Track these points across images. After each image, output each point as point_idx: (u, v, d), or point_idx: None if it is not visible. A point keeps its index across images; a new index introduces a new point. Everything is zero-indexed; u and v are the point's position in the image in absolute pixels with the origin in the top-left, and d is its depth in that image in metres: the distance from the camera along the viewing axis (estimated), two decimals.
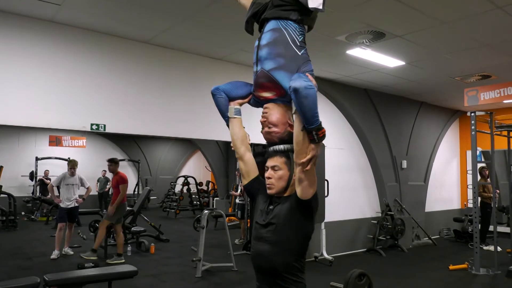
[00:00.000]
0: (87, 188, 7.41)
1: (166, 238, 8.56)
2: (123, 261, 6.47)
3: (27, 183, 13.47)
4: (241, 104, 2.15)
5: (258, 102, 2.13)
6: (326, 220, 6.75)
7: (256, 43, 2.06)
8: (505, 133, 6.99)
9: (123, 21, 4.66)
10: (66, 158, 12.61)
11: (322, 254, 6.79)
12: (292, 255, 1.87)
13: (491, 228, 7.35)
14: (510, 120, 6.86)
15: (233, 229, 9.46)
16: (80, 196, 7.26)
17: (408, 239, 8.29)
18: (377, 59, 5.87)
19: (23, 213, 12.45)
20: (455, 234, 9.23)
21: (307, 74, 1.83)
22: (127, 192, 15.32)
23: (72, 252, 7.03)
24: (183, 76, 5.62)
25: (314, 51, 5.55)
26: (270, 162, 1.96)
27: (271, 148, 2.00)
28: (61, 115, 4.66)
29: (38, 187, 12.91)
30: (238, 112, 2.13)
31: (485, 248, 7.67)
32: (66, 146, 14.11)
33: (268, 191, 1.95)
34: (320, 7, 1.92)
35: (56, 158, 13.61)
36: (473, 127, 6.30)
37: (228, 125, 2.16)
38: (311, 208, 1.89)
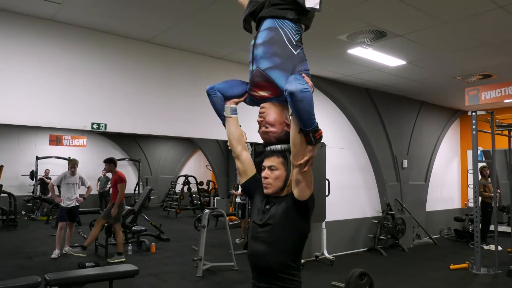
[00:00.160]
0: (88, 188, 7.41)
1: (166, 238, 8.56)
2: (124, 260, 6.48)
3: (27, 182, 13.46)
4: (237, 103, 2.14)
5: (253, 101, 2.12)
6: (327, 219, 6.75)
7: (252, 42, 2.05)
8: (506, 132, 6.98)
9: (124, 20, 4.66)
10: (67, 157, 12.60)
11: (323, 254, 6.79)
12: (288, 255, 1.88)
13: (491, 227, 7.36)
14: (511, 119, 6.85)
15: (233, 228, 9.46)
16: (80, 195, 7.26)
17: (408, 239, 8.29)
18: (378, 58, 5.87)
19: (23, 212, 12.46)
20: (456, 234, 9.23)
21: (303, 75, 1.81)
22: (127, 192, 15.34)
23: (72, 252, 7.02)
24: (184, 76, 5.62)
25: (315, 50, 5.56)
26: (267, 162, 1.95)
27: (268, 148, 2.00)
28: (62, 114, 4.65)
29: (38, 187, 12.91)
30: (234, 111, 2.12)
31: (485, 247, 7.67)
32: (66, 145, 14.11)
33: (265, 191, 1.95)
34: (317, 7, 1.91)
35: (56, 157, 13.60)
36: (474, 127, 6.30)
37: (224, 125, 2.15)
38: (307, 208, 1.89)
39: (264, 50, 1.95)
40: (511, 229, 7.01)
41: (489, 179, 7.83)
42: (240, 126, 2.13)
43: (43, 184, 12.46)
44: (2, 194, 10.19)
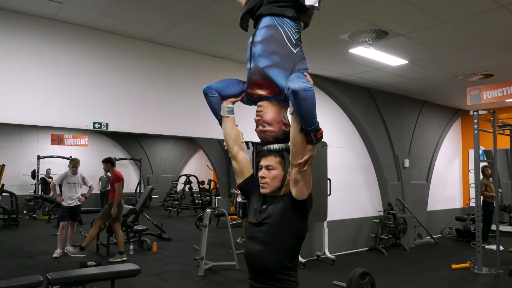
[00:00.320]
0: (89, 187, 7.42)
1: (168, 237, 8.57)
2: (125, 259, 6.48)
3: (29, 181, 13.48)
4: (234, 103, 2.12)
5: (251, 100, 2.09)
6: (329, 219, 6.75)
7: (250, 39, 2.02)
8: (507, 132, 6.98)
9: (125, 20, 4.66)
10: (68, 156, 12.62)
11: (324, 253, 6.79)
12: (285, 255, 1.86)
13: (493, 227, 7.35)
14: None
15: (235, 227, 9.46)
16: (82, 194, 7.27)
17: (410, 238, 8.28)
18: (380, 57, 5.86)
19: (25, 211, 12.47)
20: (457, 233, 9.22)
21: (305, 74, 1.79)
22: (128, 191, 15.31)
23: (74, 251, 7.03)
24: (185, 75, 5.62)
25: (317, 50, 5.55)
26: (264, 162, 1.93)
27: (265, 147, 1.97)
28: (64, 113, 4.66)
29: (40, 186, 12.94)
30: (231, 111, 2.10)
31: (487, 247, 7.66)
32: (68, 145, 14.12)
33: (262, 191, 1.93)
34: (316, 5, 1.89)
35: (58, 156, 13.62)
36: (475, 126, 6.29)
37: (221, 124, 2.13)
38: (305, 208, 1.87)
39: (263, 48, 1.92)
40: None
41: (490, 178, 7.82)
42: (237, 125, 2.11)
43: (45, 183, 12.48)
44: (4, 194, 10.21)
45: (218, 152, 14.25)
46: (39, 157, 13.42)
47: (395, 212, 7.90)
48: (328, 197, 6.67)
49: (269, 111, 1.92)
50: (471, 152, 8.49)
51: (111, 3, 4.21)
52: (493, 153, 6.63)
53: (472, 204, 6.97)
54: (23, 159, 13.48)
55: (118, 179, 6.69)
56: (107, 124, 4.93)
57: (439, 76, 6.92)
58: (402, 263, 6.92)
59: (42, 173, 13.20)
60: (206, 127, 5.67)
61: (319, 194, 6.30)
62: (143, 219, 8.84)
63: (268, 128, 1.92)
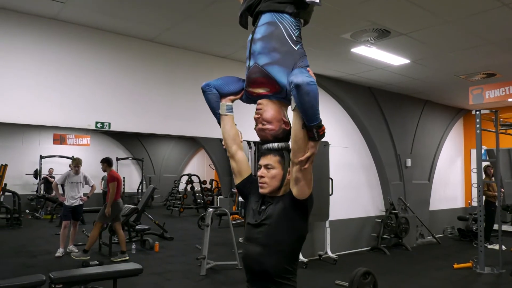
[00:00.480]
0: (92, 186, 7.43)
1: (170, 236, 8.58)
2: (127, 258, 6.49)
3: (31, 181, 13.52)
4: (233, 101, 2.08)
5: (250, 98, 2.05)
6: (331, 218, 6.74)
7: (250, 37, 1.98)
8: (510, 131, 6.96)
9: (127, 19, 4.67)
10: (70, 156, 12.64)
11: (326, 253, 6.78)
12: (285, 258, 1.80)
13: (495, 226, 7.33)
14: None
15: (237, 227, 9.46)
16: (84, 194, 7.28)
17: (412, 238, 8.28)
18: (382, 57, 5.85)
19: (27, 211, 12.49)
20: (459, 233, 9.20)
21: (308, 69, 1.76)
22: (129, 190, 15.32)
23: (76, 250, 7.04)
24: (187, 74, 5.62)
25: (318, 49, 5.55)
26: (263, 161, 1.88)
27: (265, 146, 1.92)
28: (66, 113, 4.67)
29: (42, 185, 12.96)
30: (230, 109, 2.06)
31: (489, 246, 7.64)
32: (70, 144, 14.16)
33: (261, 190, 1.87)
34: (317, 0, 1.85)
35: (60, 156, 13.65)
36: (478, 126, 6.27)
37: (219, 123, 2.09)
38: (306, 208, 1.81)
39: (263, 45, 1.89)
40: None
41: (493, 178, 7.81)
42: (236, 125, 2.07)
43: (47, 183, 12.51)
44: (6, 193, 10.25)
45: (220, 152, 14.24)
46: (41, 157, 13.46)
47: (397, 211, 7.89)
48: (330, 196, 6.67)
49: (269, 109, 1.88)
50: (473, 152, 8.48)
51: (112, 3, 4.21)
52: (496, 152, 6.61)
53: (474, 203, 6.96)
54: (26, 159, 13.52)
55: (112, 179, 6.68)
56: (109, 123, 4.94)
57: (441, 76, 6.91)
58: (404, 262, 6.91)
59: (44, 172, 13.22)
60: (208, 127, 5.67)
61: (321, 194, 6.30)
62: (145, 219, 8.85)
63: (268, 126, 1.88)
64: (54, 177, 12.01)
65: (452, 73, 6.74)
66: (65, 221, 6.92)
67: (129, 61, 5.17)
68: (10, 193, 10.33)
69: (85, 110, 4.80)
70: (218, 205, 12.89)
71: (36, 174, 13.37)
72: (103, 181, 13.51)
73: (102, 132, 13.77)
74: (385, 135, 8.09)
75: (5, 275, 5.13)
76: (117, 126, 5.01)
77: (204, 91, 2.08)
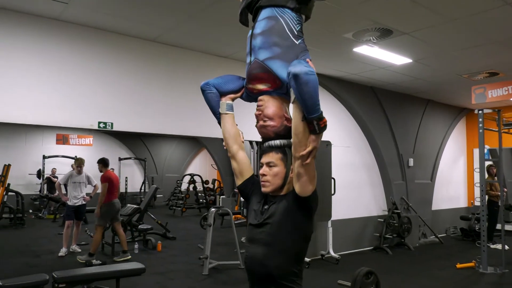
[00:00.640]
0: (94, 186, 7.45)
1: (172, 236, 8.59)
2: (129, 257, 6.51)
3: (34, 181, 13.57)
4: (233, 99, 2.02)
5: (251, 96, 1.99)
6: (333, 218, 6.74)
7: (250, 33, 1.93)
8: None
9: (129, 19, 4.68)
10: (73, 156, 12.69)
11: (328, 252, 6.78)
12: (290, 259, 1.73)
13: (498, 226, 7.31)
14: None
15: (239, 227, 9.45)
16: (87, 194, 7.31)
17: (414, 238, 8.26)
18: (384, 56, 5.85)
19: (30, 211, 12.55)
20: (462, 233, 9.18)
21: (307, 60, 1.70)
22: (132, 190, 15.31)
23: (79, 250, 7.08)
24: (190, 74, 5.63)
25: (320, 48, 5.55)
26: (265, 159, 1.82)
27: (266, 144, 1.85)
28: (69, 113, 4.69)
29: (45, 185, 13.01)
30: (230, 108, 2.00)
31: (492, 246, 7.63)
32: (73, 144, 14.20)
33: (263, 189, 1.82)
34: None
35: (63, 156, 13.70)
36: (480, 125, 6.26)
37: (219, 123, 2.04)
38: (310, 206, 1.74)
39: (263, 40, 1.83)
40: None
41: (495, 177, 7.79)
42: (237, 125, 2.03)
43: (50, 183, 12.56)
44: (10, 193, 10.27)
45: (222, 152, 14.25)
46: (44, 157, 13.51)
47: (399, 211, 7.88)
48: (332, 196, 6.67)
49: (271, 105, 1.83)
50: (476, 151, 8.47)
51: (115, 3, 4.23)
52: (498, 152, 6.59)
53: (477, 203, 6.93)
54: (29, 159, 13.57)
55: (104, 180, 6.63)
56: (111, 123, 4.96)
57: (443, 75, 6.89)
58: (406, 262, 6.90)
59: (47, 172, 13.27)
60: (210, 127, 5.67)
61: (323, 193, 6.29)
62: (147, 218, 8.87)
63: (269, 123, 1.82)
64: (57, 177, 12.04)
65: (455, 72, 6.73)
66: (68, 221, 6.94)
67: (131, 61, 5.18)
68: (14, 193, 10.37)
69: (88, 110, 4.81)
70: (221, 204, 12.91)
71: (39, 174, 13.42)
72: None
73: (105, 132, 13.80)
74: (387, 134, 8.08)
75: (8, 274, 5.15)
76: (119, 126, 5.02)
77: (203, 90, 2.04)
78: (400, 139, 8.25)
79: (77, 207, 7.03)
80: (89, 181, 7.31)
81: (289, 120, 1.84)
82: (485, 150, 6.58)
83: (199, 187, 14.68)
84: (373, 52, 5.65)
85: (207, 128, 5.70)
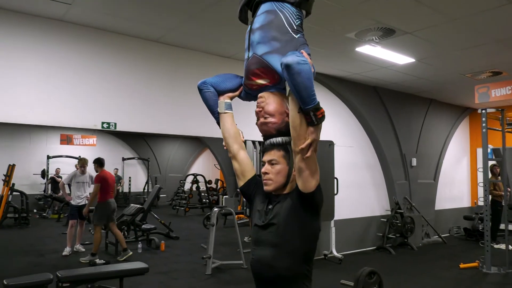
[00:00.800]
0: None
1: (176, 236, 8.62)
2: (130, 253, 6.55)
3: (38, 181, 13.63)
4: (231, 98, 1.98)
5: (249, 94, 1.95)
6: (336, 218, 6.74)
7: (248, 28, 1.90)
8: None
9: (132, 20, 4.70)
10: (77, 156, 12.73)
11: (331, 252, 6.79)
12: (298, 259, 1.68)
13: (502, 226, 7.29)
14: None
15: (242, 226, 9.49)
16: (90, 193, 7.32)
17: (417, 237, 8.25)
18: (387, 56, 5.84)
19: (35, 210, 12.59)
20: (465, 232, 9.16)
21: (302, 51, 1.66)
22: (135, 190, 15.31)
23: (83, 249, 7.11)
24: (192, 74, 5.64)
25: (323, 48, 5.55)
26: (266, 156, 1.78)
27: (268, 141, 1.81)
28: (72, 113, 4.71)
29: (49, 185, 13.07)
30: (229, 107, 1.96)
31: (496, 246, 7.60)
32: (77, 145, 14.27)
33: (265, 188, 1.77)
34: None
35: (67, 156, 13.75)
36: (484, 125, 6.24)
37: (218, 122, 2.00)
38: (315, 202, 1.69)
39: (262, 35, 1.80)
40: None
41: (499, 177, 7.77)
42: (236, 125, 1.99)
43: (54, 182, 12.61)
44: (14, 193, 10.33)
45: (225, 152, 14.10)
46: (48, 157, 13.58)
47: (402, 211, 7.87)
48: (335, 196, 6.67)
49: (271, 101, 1.79)
50: (480, 151, 8.43)
51: (118, 4, 4.25)
52: (502, 151, 6.57)
53: (481, 203, 6.92)
54: (33, 159, 13.63)
55: (97, 180, 6.62)
56: (115, 124, 4.98)
57: (446, 74, 6.88)
58: (409, 262, 6.89)
59: (51, 172, 13.33)
60: (213, 127, 5.59)
61: (326, 193, 6.21)
62: (151, 218, 8.90)
63: (270, 119, 1.78)
64: (61, 177, 12.09)
65: (458, 72, 6.71)
66: (72, 220, 6.98)
67: (134, 61, 5.20)
68: (18, 193, 10.42)
69: (91, 111, 4.84)
70: (224, 204, 12.92)
71: (44, 174, 13.48)
72: None
73: (108, 132, 13.85)
74: (390, 134, 8.08)
75: (13, 273, 5.18)
76: (123, 126, 5.05)
77: (201, 89, 2.00)
78: (403, 139, 8.24)
79: (80, 207, 7.04)
80: (92, 181, 7.33)
81: None
82: (489, 150, 6.57)
83: (202, 187, 14.70)
84: (375, 51, 5.65)
85: (210, 128, 5.70)
